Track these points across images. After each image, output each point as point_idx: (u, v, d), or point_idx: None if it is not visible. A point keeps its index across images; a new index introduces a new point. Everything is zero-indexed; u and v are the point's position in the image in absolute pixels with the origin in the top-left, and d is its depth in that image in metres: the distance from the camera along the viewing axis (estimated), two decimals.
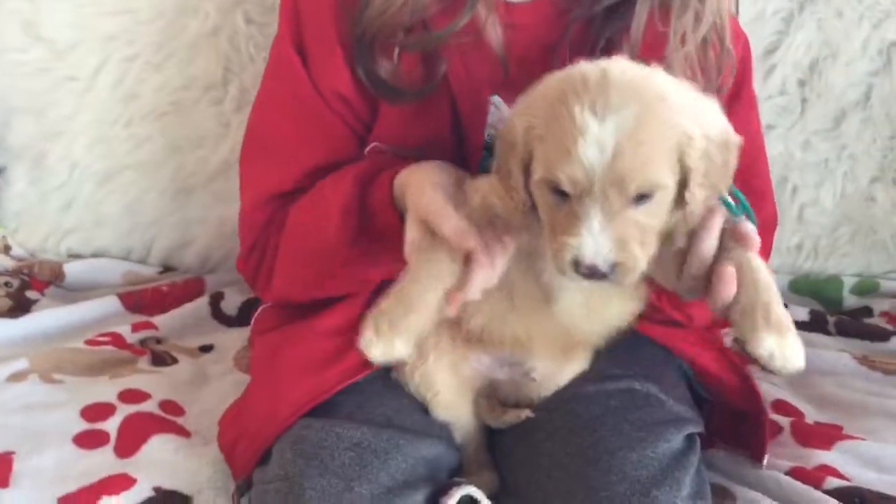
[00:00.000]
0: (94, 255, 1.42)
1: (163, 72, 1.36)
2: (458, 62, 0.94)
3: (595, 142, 0.72)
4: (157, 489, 0.95)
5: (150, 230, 1.41)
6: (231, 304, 1.34)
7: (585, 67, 0.77)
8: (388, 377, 0.94)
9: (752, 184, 1.04)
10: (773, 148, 1.39)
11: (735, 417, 1.01)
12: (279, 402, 0.91)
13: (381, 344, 0.78)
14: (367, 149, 0.99)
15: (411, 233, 0.82)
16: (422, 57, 0.94)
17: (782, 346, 0.75)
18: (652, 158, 0.73)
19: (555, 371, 0.94)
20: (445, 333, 0.92)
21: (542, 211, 0.78)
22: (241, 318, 1.31)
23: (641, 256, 0.75)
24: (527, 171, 0.78)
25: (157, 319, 1.29)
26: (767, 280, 0.78)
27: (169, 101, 1.36)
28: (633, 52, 0.91)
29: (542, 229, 0.79)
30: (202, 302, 1.34)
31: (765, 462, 0.99)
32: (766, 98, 1.38)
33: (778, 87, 1.38)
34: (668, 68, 0.82)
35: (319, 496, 0.83)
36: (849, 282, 1.41)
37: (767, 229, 1.08)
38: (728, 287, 0.77)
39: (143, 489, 0.94)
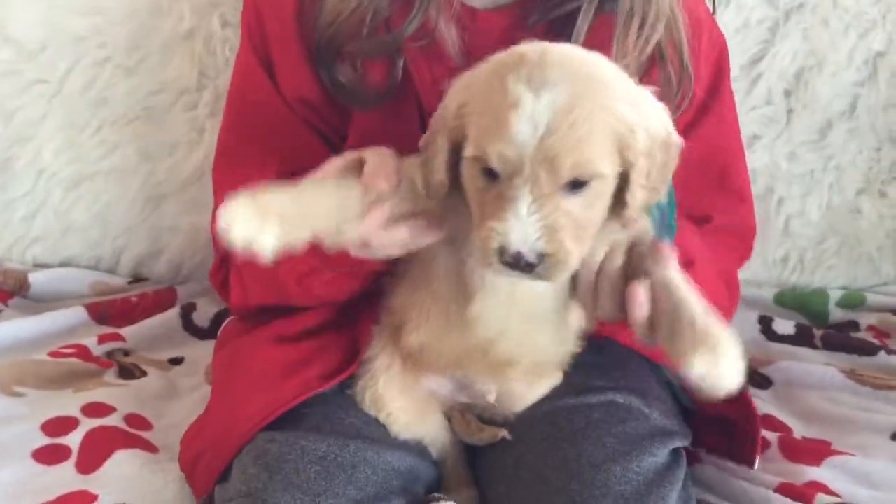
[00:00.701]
0: (62, 265, 1.38)
1: (135, 75, 1.33)
2: (423, 66, 0.94)
3: (528, 116, 0.69)
4: None
5: (120, 239, 1.38)
6: (203, 315, 1.31)
7: (525, 46, 0.74)
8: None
9: (729, 184, 1.03)
10: (759, 159, 1.38)
11: (723, 425, 0.98)
12: (237, 415, 0.88)
13: (248, 220, 0.70)
14: None
15: (336, 161, 0.80)
16: (385, 61, 0.93)
17: (712, 366, 0.70)
18: (587, 140, 0.70)
19: (515, 392, 0.91)
20: (398, 358, 0.89)
21: (471, 196, 0.75)
22: (213, 330, 1.28)
23: (573, 250, 0.71)
24: (458, 153, 0.75)
25: (125, 331, 1.26)
26: (688, 297, 0.73)
27: (141, 106, 1.34)
28: None
29: (466, 222, 0.75)
30: (173, 313, 1.31)
31: (756, 465, 0.97)
32: (751, 108, 1.37)
33: (763, 97, 1.37)
34: (653, 90, 0.78)
35: None
36: (835, 295, 1.40)
37: (744, 236, 1.07)
38: (639, 307, 0.73)
39: None
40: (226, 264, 1.02)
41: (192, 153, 1.34)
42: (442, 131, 0.76)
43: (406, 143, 0.93)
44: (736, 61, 1.35)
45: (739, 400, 0.96)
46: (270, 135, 0.97)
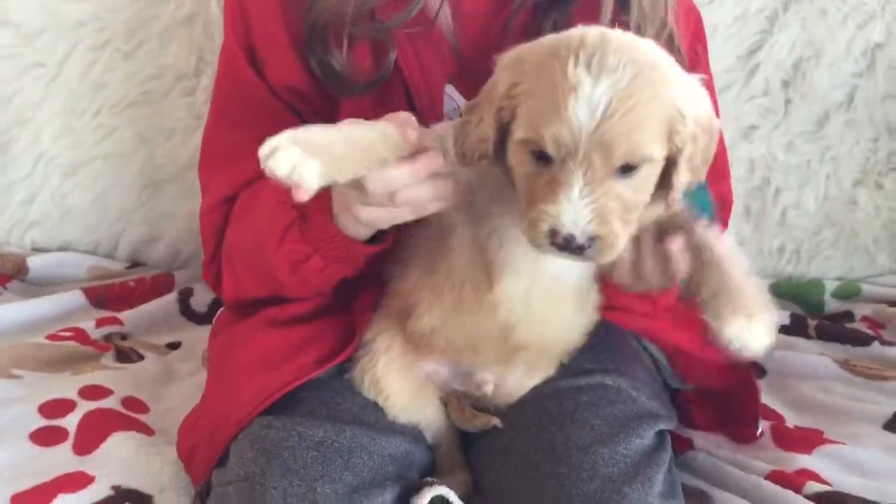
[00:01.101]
0: (60, 249, 1.39)
1: (133, 60, 1.33)
2: (410, 53, 0.93)
3: (587, 101, 0.69)
4: (115, 488, 0.92)
5: (118, 224, 1.39)
6: (201, 300, 1.32)
7: (583, 28, 0.74)
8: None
9: (714, 162, 1.02)
10: (756, 149, 1.38)
11: (718, 401, 0.98)
12: (233, 401, 0.88)
13: (295, 154, 0.69)
14: None
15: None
16: (373, 48, 0.93)
17: (745, 329, 0.73)
18: (642, 126, 0.70)
19: (510, 384, 0.91)
20: (398, 340, 0.89)
21: (519, 178, 0.75)
22: (210, 315, 1.28)
23: (622, 233, 0.72)
24: (502, 132, 0.75)
25: (123, 315, 1.26)
26: (729, 258, 0.76)
27: (139, 90, 1.34)
28: None
29: (501, 197, 0.76)
30: (171, 298, 1.31)
31: (759, 431, 0.98)
32: (749, 98, 1.37)
33: (761, 88, 1.37)
34: (702, 80, 0.79)
35: (281, 497, 0.80)
36: (830, 285, 1.40)
37: (724, 209, 1.06)
38: (678, 262, 0.76)
39: (101, 488, 0.92)
40: (217, 258, 1.01)
41: (190, 138, 1.34)
42: (489, 108, 0.75)
43: None
44: (734, 51, 1.36)
45: (735, 367, 0.96)
46: (255, 127, 0.95)
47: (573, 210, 0.70)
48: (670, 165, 0.74)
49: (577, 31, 0.74)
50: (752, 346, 0.73)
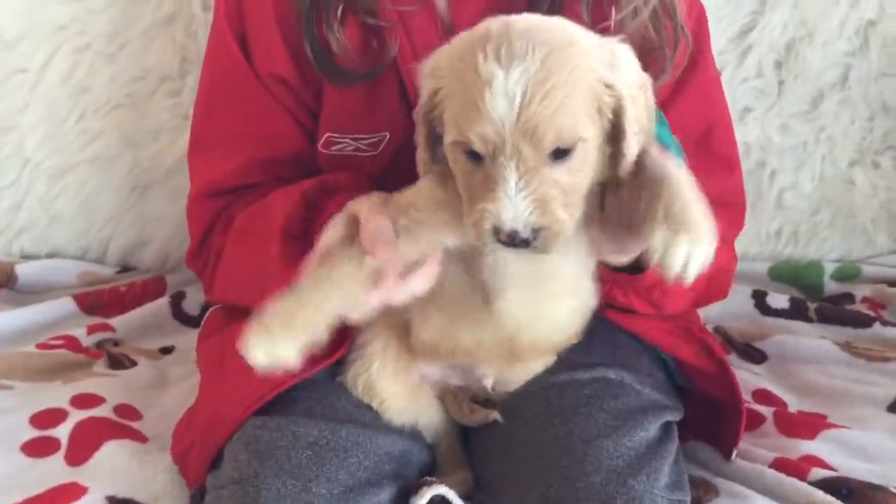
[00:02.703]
0: (49, 256, 1.38)
1: (116, 62, 1.32)
2: (405, 42, 0.92)
3: (502, 93, 0.68)
4: (110, 498, 0.91)
5: (107, 228, 1.37)
6: (193, 302, 1.30)
7: (489, 20, 0.73)
8: None
9: (714, 147, 1.01)
10: (751, 132, 1.37)
11: (711, 408, 0.97)
12: (226, 402, 0.87)
13: (265, 345, 0.74)
14: (321, 140, 0.97)
15: (331, 232, 0.80)
16: (367, 37, 0.92)
17: (685, 253, 0.69)
18: (565, 107, 0.69)
19: (512, 374, 0.90)
20: (392, 343, 0.88)
21: (459, 180, 0.74)
22: (203, 318, 1.26)
23: (566, 219, 0.71)
24: (439, 139, 0.75)
25: (115, 321, 1.25)
26: (685, 186, 0.72)
27: (123, 93, 1.33)
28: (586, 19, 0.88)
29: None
30: (162, 302, 1.30)
31: (733, 457, 0.96)
32: (742, 80, 1.36)
33: (755, 69, 1.35)
34: (622, 39, 0.77)
35: (276, 498, 0.79)
36: (829, 267, 1.39)
37: (733, 205, 1.05)
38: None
39: (94, 498, 0.91)
40: (204, 253, 1.01)
41: (177, 140, 1.33)
42: (420, 126, 0.76)
43: (385, 120, 0.93)
44: (726, 33, 1.34)
45: (728, 383, 0.95)
46: (242, 116, 0.97)
47: (511, 205, 0.69)
48: (619, 134, 0.73)
49: (483, 24, 0.73)
50: (689, 270, 0.69)
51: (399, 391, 0.89)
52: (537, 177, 0.69)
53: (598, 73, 0.71)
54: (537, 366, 0.90)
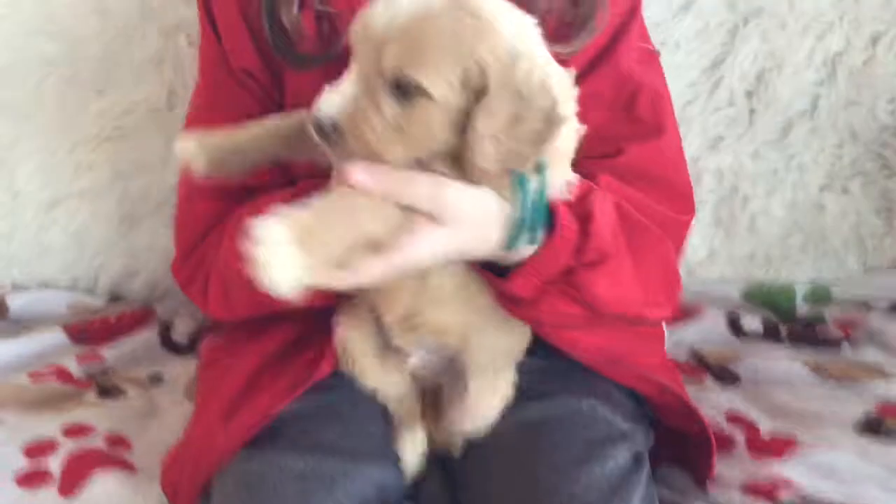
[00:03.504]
0: (40, 286, 1.39)
1: (105, 97, 1.34)
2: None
3: (388, 1, 0.71)
4: None
5: (97, 259, 1.39)
6: (181, 331, 1.32)
7: None
8: (331, 401, 0.92)
9: (643, 117, 0.96)
10: (723, 159, 1.40)
11: (682, 434, 0.99)
12: (213, 435, 0.89)
13: (290, 264, 0.68)
14: None
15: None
16: (321, 23, 0.93)
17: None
18: (425, 50, 0.69)
19: (470, 406, 0.91)
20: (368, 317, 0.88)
21: None
22: (192, 346, 1.29)
23: (373, 139, 0.71)
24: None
25: (105, 350, 1.27)
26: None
27: (112, 126, 1.34)
28: None
29: None
30: (152, 331, 1.32)
31: (708, 488, 0.98)
32: (714, 110, 1.39)
33: (726, 99, 1.39)
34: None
35: None
36: (801, 290, 1.42)
37: (672, 184, 0.97)
38: None
39: None
40: (193, 260, 0.99)
41: (166, 172, 1.34)
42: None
43: None
44: (698, 64, 1.38)
45: (692, 416, 0.96)
46: (224, 112, 0.96)
47: (332, 95, 0.72)
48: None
49: None
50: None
51: (374, 363, 0.91)
52: (369, 89, 0.71)
53: (481, 55, 0.70)
54: (496, 399, 0.91)
